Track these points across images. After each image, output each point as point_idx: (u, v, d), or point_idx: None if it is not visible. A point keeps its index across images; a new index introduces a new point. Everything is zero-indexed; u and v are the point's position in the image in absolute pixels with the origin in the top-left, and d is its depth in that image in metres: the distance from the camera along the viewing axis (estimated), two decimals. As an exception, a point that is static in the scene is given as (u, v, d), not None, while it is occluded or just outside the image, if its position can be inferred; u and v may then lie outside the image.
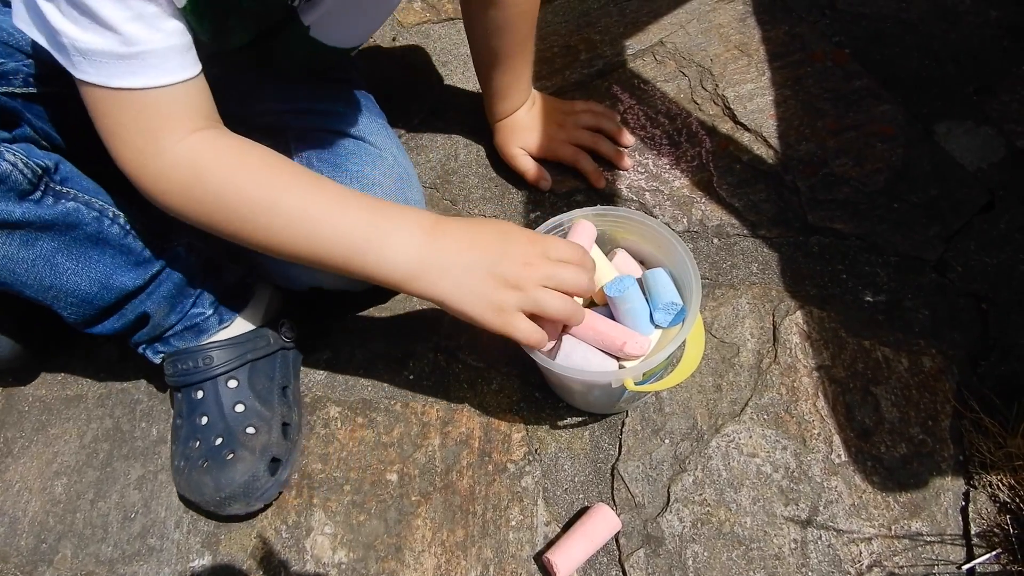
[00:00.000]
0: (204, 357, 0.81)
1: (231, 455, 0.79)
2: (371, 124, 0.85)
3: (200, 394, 0.82)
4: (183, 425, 0.82)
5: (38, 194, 0.66)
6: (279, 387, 0.86)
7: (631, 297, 0.75)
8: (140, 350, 0.83)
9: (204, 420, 0.81)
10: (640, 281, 0.79)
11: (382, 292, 0.99)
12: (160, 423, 0.91)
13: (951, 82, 1.12)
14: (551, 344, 0.79)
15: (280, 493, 0.84)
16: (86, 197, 0.71)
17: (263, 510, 0.83)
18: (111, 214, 0.72)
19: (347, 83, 0.93)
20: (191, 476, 0.79)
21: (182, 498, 0.84)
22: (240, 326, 0.85)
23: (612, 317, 0.79)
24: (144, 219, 0.77)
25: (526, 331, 0.68)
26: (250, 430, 0.81)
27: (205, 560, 0.82)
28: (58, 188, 0.68)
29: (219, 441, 0.80)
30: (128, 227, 0.74)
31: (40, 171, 0.66)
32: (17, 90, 0.72)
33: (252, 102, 0.84)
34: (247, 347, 0.84)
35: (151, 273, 0.76)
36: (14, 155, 0.63)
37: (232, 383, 0.82)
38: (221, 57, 0.67)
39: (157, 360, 0.83)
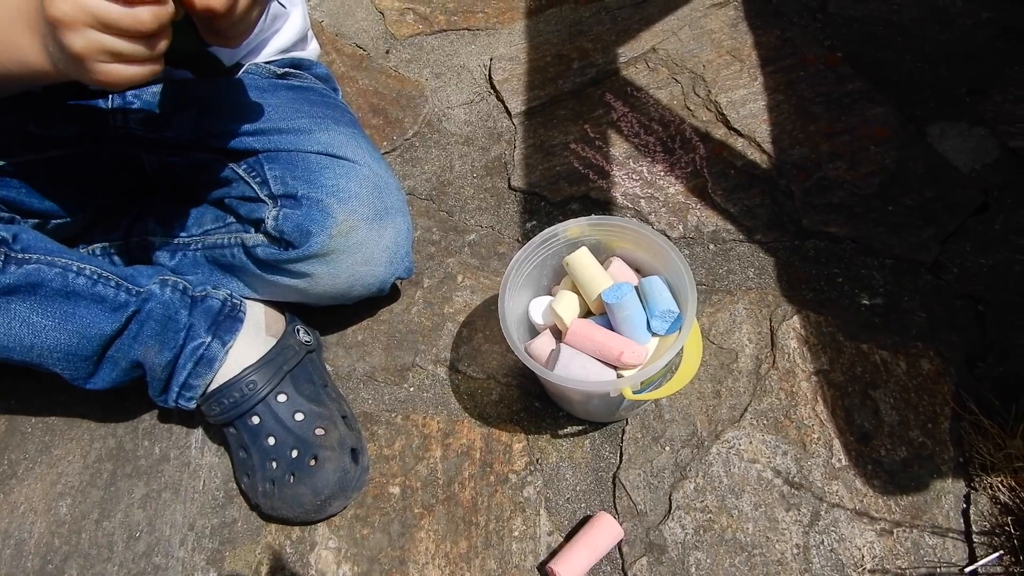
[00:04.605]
0: (247, 383, 0.82)
1: (314, 460, 0.81)
2: (340, 136, 0.85)
3: (256, 419, 0.83)
4: (251, 454, 0.83)
5: None
6: (321, 386, 0.88)
7: (629, 304, 0.75)
8: (171, 403, 0.84)
9: (271, 440, 0.82)
10: (636, 289, 0.79)
11: (378, 304, 0.99)
12: (162, 441, 0.91)
13: (944, 84, 1.12)
14: (549, 352, 0.80)
15: (368, 479, 0.86)
16: (48, 258, 0.73)
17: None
18: (75, 268, 0.74)
19: (311, 92, 0.93)
20: (283, 493, 0.81)
21: (273, 518, 0.84)
22: (262, 344, 0.85)
23: (609, 325, 0.79)
24: (112, 268, 0.78)
25: (105, 72, 0.57)
26: (319, 432, 0.83)
27: (209, 577, 0.82)
28: (19, 255, 0.70)
29: (295, 453, 0.82)
30: (96, 277, 0.75)
31: None
32: None
33: (211, 123, 0.85)
34: (280, 360, 0.85)
35: (127, 315, 0.77)
36: None
37: (281, 397, 0.84)
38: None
39: (192, 406, 0.84)
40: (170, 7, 0.57)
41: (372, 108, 1.21)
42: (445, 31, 1.32)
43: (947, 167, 1.03)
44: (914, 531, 0.77)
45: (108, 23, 0.55)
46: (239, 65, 0.91)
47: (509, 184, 1.10)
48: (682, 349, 0.74)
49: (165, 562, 0.83)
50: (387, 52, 1.31)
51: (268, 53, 0.94)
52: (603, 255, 0.85)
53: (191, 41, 0.66)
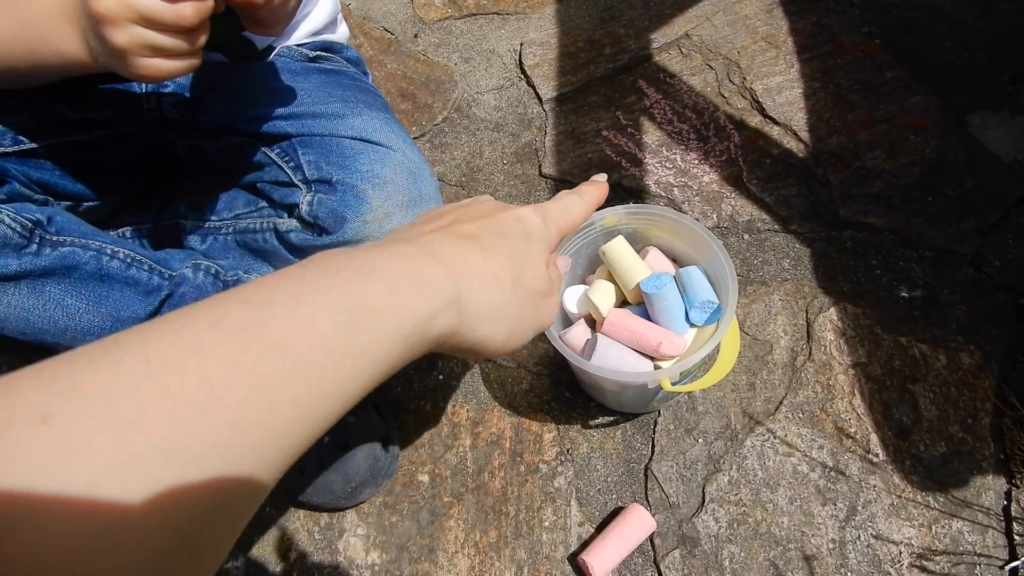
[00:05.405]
0: None
1: (344, 448, 0.81)
2: (373, 121, 0.84)
3: None
4: None
5: (34, 246, 0.68)
6: None
7: (668, 294, 0.74)
8: None
9: None
10: (675, 279, 0.78)
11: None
12: (192, 425, 0.91)
13: (984, 72, 1.09)
14: (584, 341, 0.79)
15: (398, 467, 0.86)
16: (83, 240, 0.72)
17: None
18: (109, 251, 0.74)
19: (343, 75, 0.92)
20: (314, 480, 0.81)
21: (302, 504, 0.84)
22: None
23: (645, 315, 0.78)
24: (145, 251, 0.78)
25: (146, 67, 0.58)
26: (350, 419, 0.83)
27: (238, 562, 0.82)
28: (53, 238, 0.70)
29: (326, 439, 0.82)
30: (129, 260, 0.75)
31: (31, 225, 0.68)
32: (8, 149, 0.75)
33: (244, 106, 0.84)
34: None
35: (160, 299, 0.77)
36: (4, 214, 0.67)
37: None
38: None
39: None
40: (210, 1, 0.57)
41: (401, 93, 1.20)
42: (474, 15, 1.30)
43: (988, 157, 1.00)
44: (953, 527, 0.76)
45: (151, 18, 0.56)
46: (271, 48, 0.90)
47: (540, 171, 1.09)
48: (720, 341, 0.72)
49: (195, 546, 0.83)
50: (415, 36, 1.29)
51: (299, 36, 0.93)
52: (639, 244, 0.84)
53: (228, 29, 0.66)
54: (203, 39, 0.60)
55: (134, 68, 0.58)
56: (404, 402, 0.90)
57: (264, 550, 0.82)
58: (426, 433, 0.88)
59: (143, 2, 0.55)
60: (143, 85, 0.83)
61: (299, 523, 0.83)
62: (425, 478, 0.85)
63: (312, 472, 0.80)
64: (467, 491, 0.83)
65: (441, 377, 0.92)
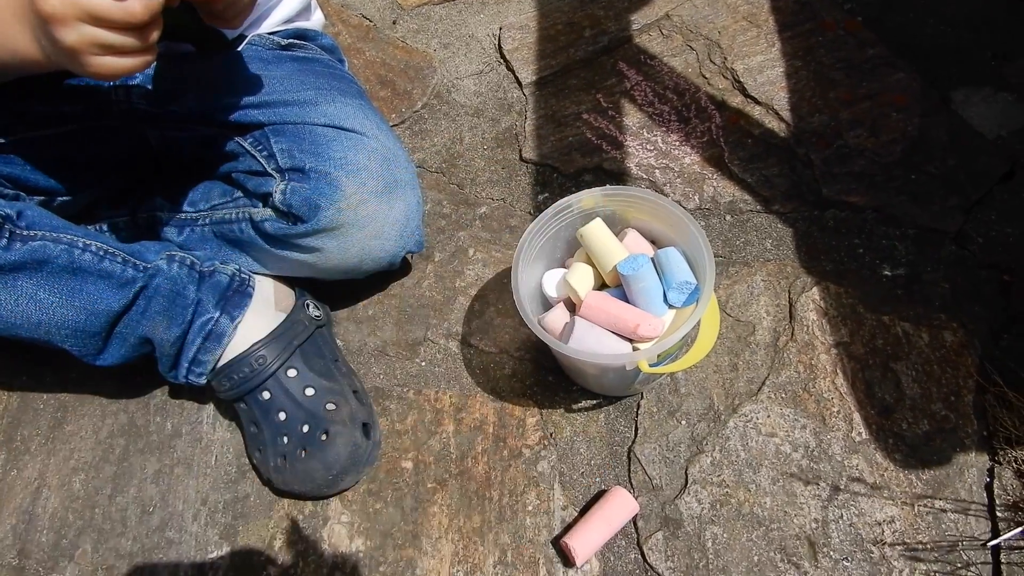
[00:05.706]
0: (256, 359, 0.81)
1: (325, 435, 0.81)
2: (347, 108, 0.83)
3: (267, 394, 0.82)
4: (262, 430, 0.83)
5: (3, 241, 0.68)
6: (331, 361, 0.87)
7: (645, 276, 0.74)
8: (181, 379, 0.83)
9: (282, 416, 0.82)
10: (652, 260, 0.78)
11: (389, 279, 0.98)
12: (174, 417, 0.91)
13: (967, 48, 1.09)
14: (563, 325, 0.78)
15: (380, 454, 0.86)
16: (54, 234, 0.72)
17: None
18: (81, 244, 0.73)
19: (316, 63, 0.91)
20: (295, 468, 0.80)
21: (285, 493, 0.84)
22: (271, 319, 0.84)
23: (624, 298, 0.77)
24: (119, 244, 0.77)
25: (99, 65, 0.57)
26: (330, 406, 0.82)
27: (223, 551, 0.82)
28: (24, 232, 0.69)
29: (306, 428, 0.81)
30: (102, 253, 0.74)
31: (0, 220, 0.68)
32: None
33: (215, 96, 0.83)
34: (289, 335, 0.84)
35: (134, 291, 0.76)
36: None
37: (291, 372, 0.83)
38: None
39: (202, 382, 0.83)
40: None
41: (380, 80, 1.19)
42: (453, 0, 1.29)
43: (971, 134, 1.00)
44: (936, 505, 0.76)
45: (99, 17, 0.54)
46: (242, 37, 0.89)
47: (520, 156, 1.08)
48: (699, 322, 0.72)
49: (178, 536, 0.83)
50: (394, 23, 1.28)
51: (271, 24, 0.92)
52: (618, 226, 0.83)
53: (191, 21, 0.65)
54: (156, 35, 0.59)
55: (87, 67, 0.57)
56: (386, 389, 0.90)
57: (249, 539, 0.82)
58: (409, 420, 0.88)
59: (90, 1, 0.53)
60: None
61: (283, 512, 0.83)
62: (408, 465, 0.85)
63: (293, 460, 0.80)
64: (450, 477, 0.83)
65: (424, 363, 0.92)
